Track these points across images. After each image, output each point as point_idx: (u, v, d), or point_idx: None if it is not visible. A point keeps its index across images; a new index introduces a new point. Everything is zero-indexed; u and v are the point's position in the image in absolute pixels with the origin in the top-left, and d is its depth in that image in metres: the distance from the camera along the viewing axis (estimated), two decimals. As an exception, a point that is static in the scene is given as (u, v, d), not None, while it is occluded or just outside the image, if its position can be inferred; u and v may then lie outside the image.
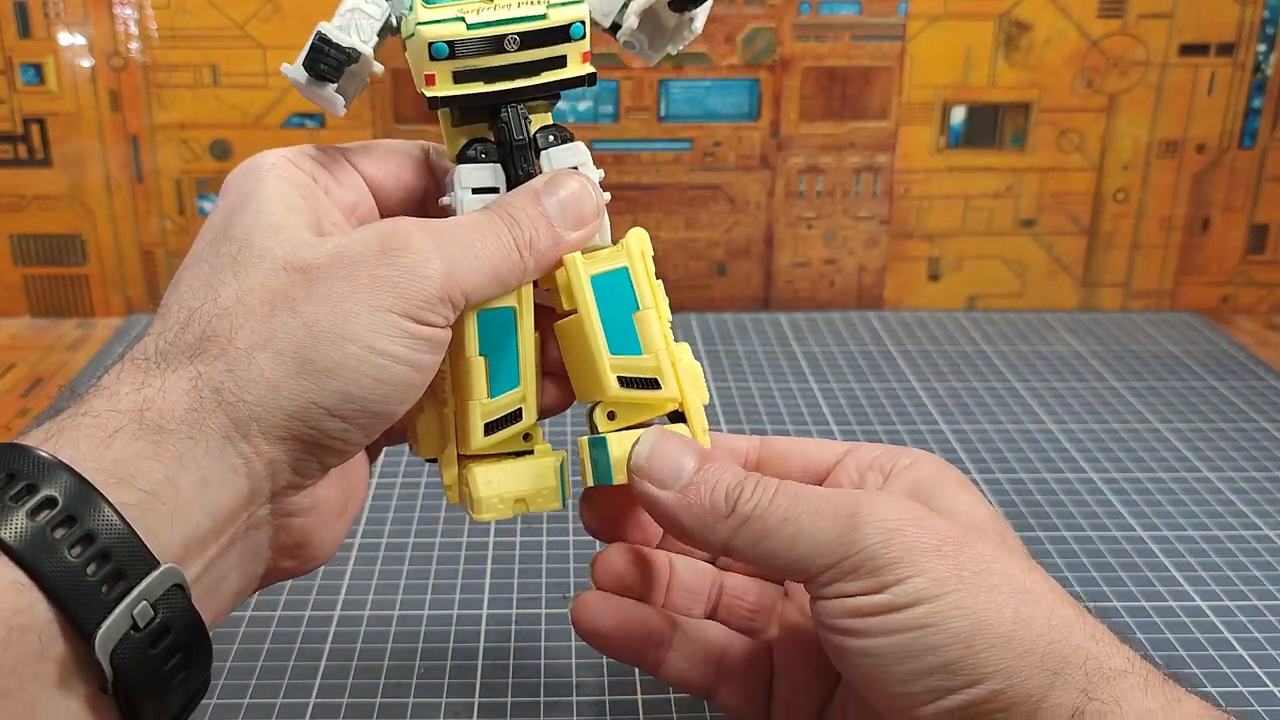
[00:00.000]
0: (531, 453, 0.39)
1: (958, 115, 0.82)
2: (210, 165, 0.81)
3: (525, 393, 0.37)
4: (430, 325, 0.32)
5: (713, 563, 0.42)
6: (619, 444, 0.37)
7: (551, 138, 0.38)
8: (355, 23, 0.36)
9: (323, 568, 0.52)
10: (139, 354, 0.31)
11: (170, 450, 0.29)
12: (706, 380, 0.41)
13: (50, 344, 0.80)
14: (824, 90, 0.81)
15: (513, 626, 0.48)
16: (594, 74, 0.37)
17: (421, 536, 0.55)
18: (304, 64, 0.35)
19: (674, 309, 0.39)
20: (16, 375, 0.75)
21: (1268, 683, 0.46)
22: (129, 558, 0.27)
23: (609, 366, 0.37)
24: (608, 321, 0.37)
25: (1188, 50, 0.81)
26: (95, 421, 0.29)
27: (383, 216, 0.38)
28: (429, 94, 0.35)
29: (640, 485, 0.36)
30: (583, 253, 0.37)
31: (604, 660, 0.47)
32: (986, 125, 0.83)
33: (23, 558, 0.26)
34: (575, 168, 0.37)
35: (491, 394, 0.37)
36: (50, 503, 0.27)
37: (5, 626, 0.25)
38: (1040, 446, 0.65)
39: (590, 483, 0.38)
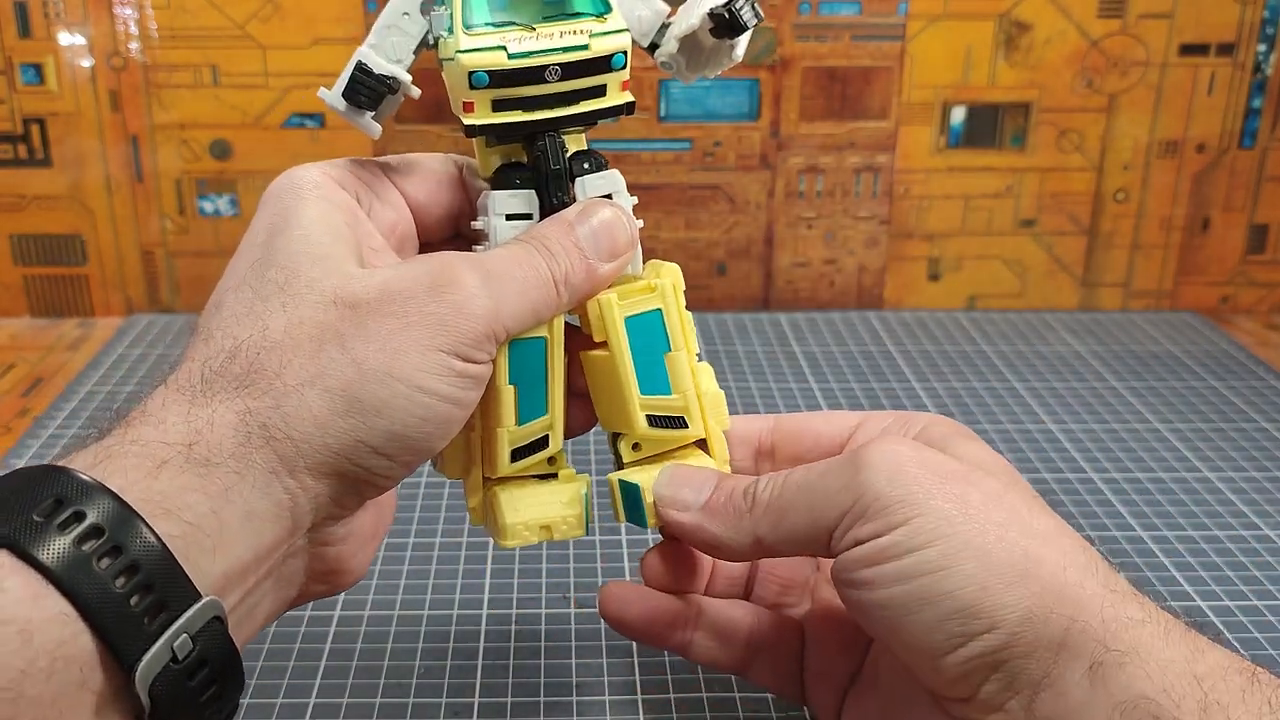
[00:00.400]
0: (556, 476, 0.39)
1: (958, 115, 0.82)
2: (210, 165, 0.81)
3: (553, 420, 0.37)
4: (476, 363, 0.33)
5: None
6: (651, 490, 0.38)
7: (586, 165, 0.37)
8: (391, 41, 0.36)
9: (323, 568, 0.52)
10: (184, 380, 0.31)
11: (217, 484, 0.29)
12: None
13: (50, 344, 0.80)
14: (824, 90, 0.81)
15: (513, 626, 0.48)
16: (633, 103, 0.37)
17: (421, 536, 0.55)
18: (344, 94, 0.35)
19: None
20: (16, 375, 0.75)
21: (1268, 683, 0.46)
22: (171, 590, 0.27)
23: (639, 407, 0.37)
24: (639, 362, 0.37)
25: (1188, 50, 0.81)
26: (143, 450, 0.29)
27: (420, 234, 0.38)
28: (467, 121, 0.35)
29: (666, 514, 0.37)
30: (615, 282, 0.37)
31: (604, 660, 0.47)
32: (986, 125, 0.83)
33: (68, 587, 0.26)
34: (609, 195, 0.37)
35: (519, 421, 0.37)
36: (96, 532, 0.27)
37: (49, 658, 0.25)
38: (1040, 446, 0.65)
39: (622, 520, 0.39)
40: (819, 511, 0.33)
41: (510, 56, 0.34)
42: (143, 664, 0.27)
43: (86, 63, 0.78)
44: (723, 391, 0.39)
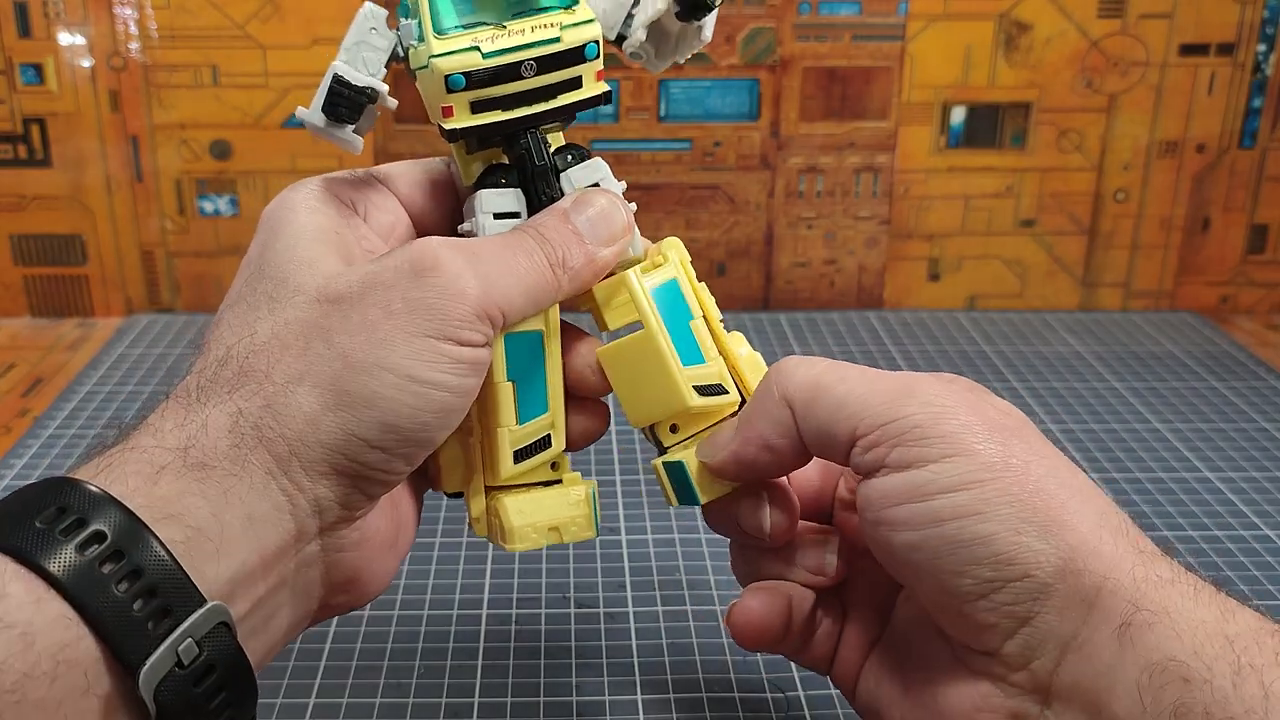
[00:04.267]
0: (560, 482, 0.38)
1: (958, 115, 0.82)
2: (210, 165, 0.81)
3: (554, 418, 0.37)
4: (470, 345, 0.32)
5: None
6: (695, 463, 0.37)
7: (570, 157, 0.37)
8: (362, 56, 0.35)
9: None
10: (181, 392, 0.31)
11: (215, 487, 0.29)
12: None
13: (50, 344, 0.80)
14: (824, 90, 0.81)
15: (513, 626, 0.48)
16: (609, 92, 0.37)
17: (422, 536, 0.55)
18: (323, 109, 0.35)
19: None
20: (16, 375, 0.75)
21: (1268, 683, 0.46)
22: (175, 594, 0.27)
23: (684, 378, 0.36)
24: (673, 330, 0.37)
25: (1188, 50, 0.81)
26: (142, 457, 0.29)
27: (421, 235, 0.38)
28: (447, 126, 0.35)
29: (713, 462, 0.36)
30: (618, 267, 0.37)
31: (604, 660, 0.47)
32: (986, 125, 0.83)
33: (71, 592, 0.26)
34: (597, 184, 0.37)
35: (520, 420, 0.36)
36: (99, 537, 0.27)
37: (53, 661, 0.25)
38: (1040, 446, 0.65)
39: (675, 504, 0.38)
40: (851, 411, 0.33)
41: (485, 56, 0.34)
42: (146, 668, 0.26)
43: (86, 63, 0.78)
44: (759, 355, 0.39)
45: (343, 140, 0.35)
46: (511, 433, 0.36)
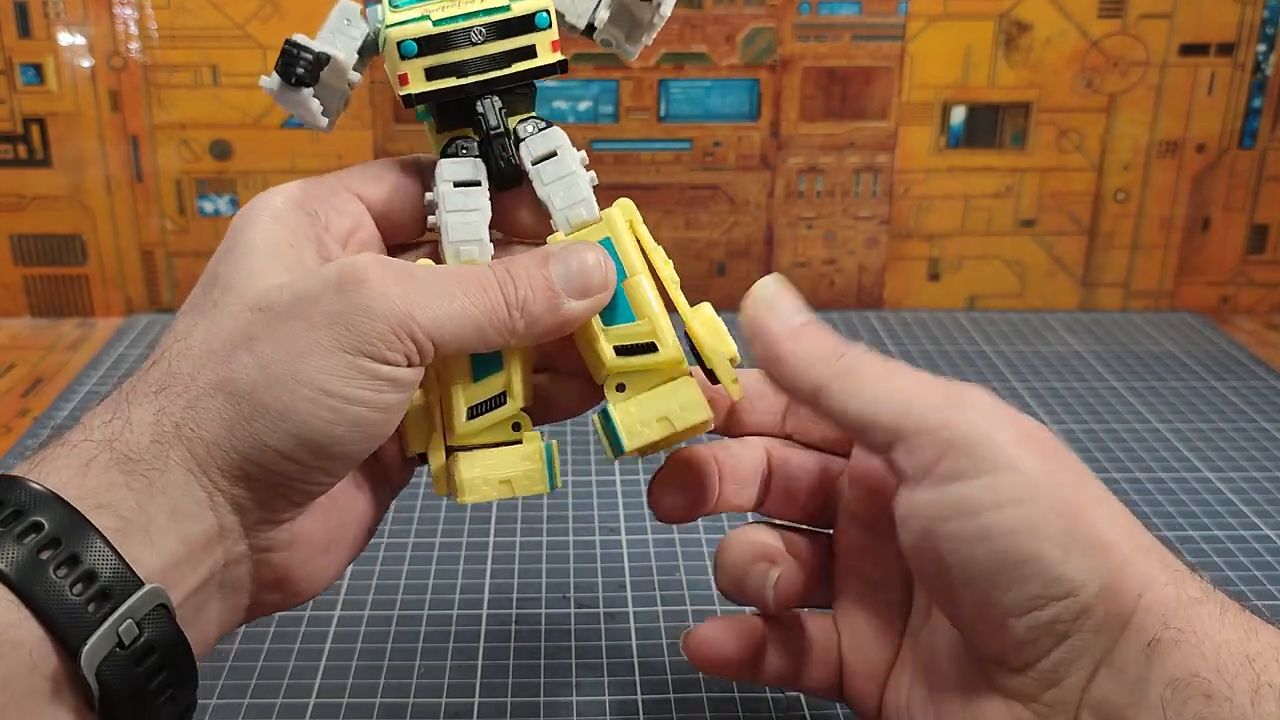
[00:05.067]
0: (521, 443, 0.38)
1: (958, 115, 0.82)
2: (210, 165, 0.81)
3: (510, 378, 0.37)
4: (389, 364, 0.31)
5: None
6: (625, 412, 0.37)
7: (530, 128, 0.38)
8: (335, 43, 0.37)
9: (323, 568, 0.52)
10: (116, 392, 0.32)
11: (141, 480, 0.30)
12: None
13: (50, 344, 0.80)
14: (824, 90, 0.81)
15: (513, 626, 0.48)
16: (564, 61, 0.37)
17: (421, 536, 0.55)
18: (277, 69, 0.35)
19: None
20: (16, 375, 0.75)
21: (1268, 683, 0.46)
22: (114, 579, 0.28)
23: (605, 339, 0.37)
24: None
25: (1188, 50, 0.81)
26: (72, 451, 0.30)
27: (390, 237, 0.38)
28: (403, 93, 0.36)
29: (758, 313, 0.36)
30: (570, 230, 0.37)
31: (604, 660, 0.47)
32: (986, 125, 0.83)
33: (11, 578, 0.27)
34: (554, 152, 0.37)
35: (475, 378, 0.37)
36: (37, 527, 0.28)
37: None
38: (1040, 446, 0.65)
39: (611, 456, 0.38)
40: (899, 412, 0.32)
41: (435, 24, 0.35)
42: (87, 648, 0.27)
43: (86, 63, 0.78)
44: (721, 320, 0.38)
45: (304, 107, 0.36)
46: (466, 390, 0.37)
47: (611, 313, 0.37)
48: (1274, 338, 0.84)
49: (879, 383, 0.33)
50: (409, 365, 0.32)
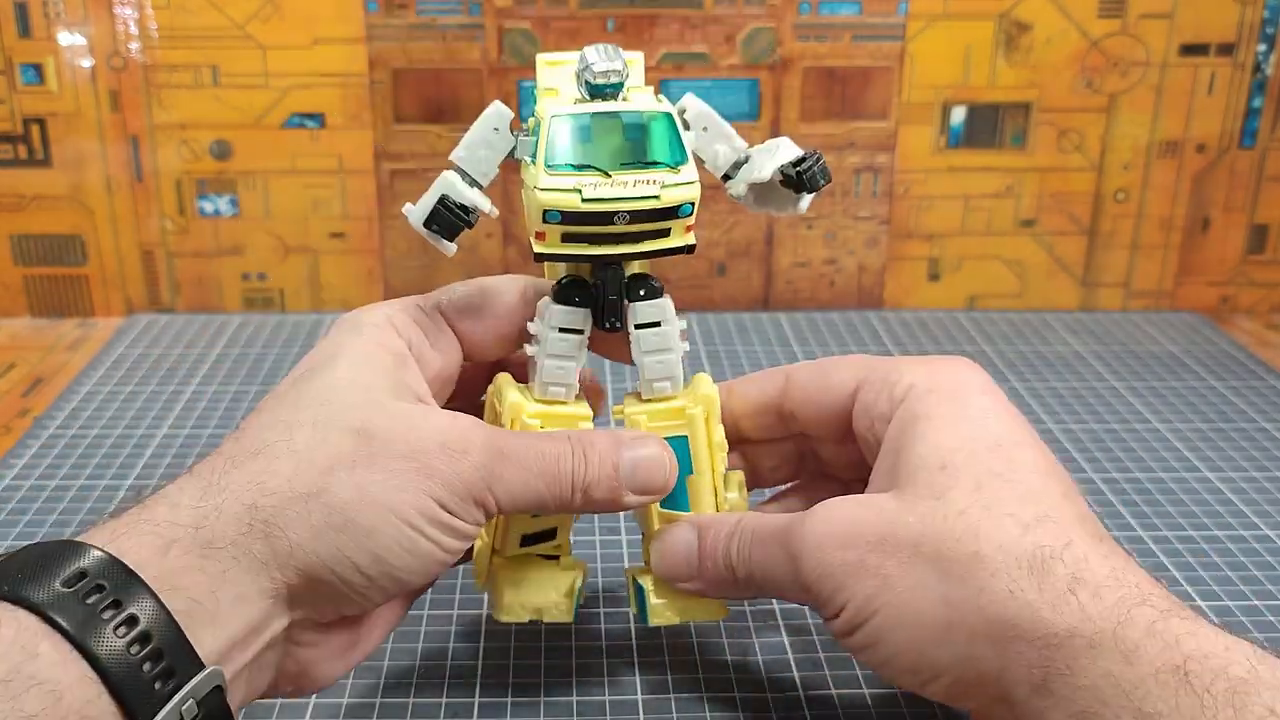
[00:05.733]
0: (557, 559, 0.43)
1: (958, 115, 0.82)
2: (210, 165, 0.81)
3: (563, 517, 0.42)
4: (461, 519, 0.36)
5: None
6: (658, 597, 0.43)
7: (642, 291, 0.40)
8: (479, 155, 0.38)
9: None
10: (205, 469, 0.34)
11: (216, 566, 0.32)
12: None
13: (50, 344, 0.80)
14: (824, 90, 0.81)
15: (513, 626, 0.48)
16: (694, 245, 0.39)
17: (421, 536, 0.55)
18: (424, 221, 0.38)
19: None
20: (16, 375, 0.75)
21: (1268, 683, 0.46)
22: (178, 658, 0.30)
23: (658, 519, 0.42)
24: None
25: (1188, 50, 0.81)
26: (155, 530, 0.32)
27: (472, 358, 0.42)
28: (537, 249, 0.38)
29: (672, 583, 0.42)
30: (651, 400, 0.41)
31: (604, 660, 0.47)
32: (986, 125, 0.83)
33: (91, 652, 0.29)
34: (659, 323, 0.40)
35: (533, 514, 0.41)
36: (116, 604, 0.30)
37: (78, 717, 0.28)
38: (1040, 446, 0.65)
39: (634, 611, 0.44)
40: (790, 594, 0.39)
41: (584, 200, 0.36)
42: None
43: (86, 63, 0.78)
44: (747, 502, 0.43)
45: (438, 244, 0.38)
46: (523, 522, 0.42)
47: (671, 500, 0.41)
48: (1274, 338, 0.84)
49: (765, 579, 0.39)
50: (475, 525, 0.36)
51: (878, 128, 0.83)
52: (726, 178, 0.40)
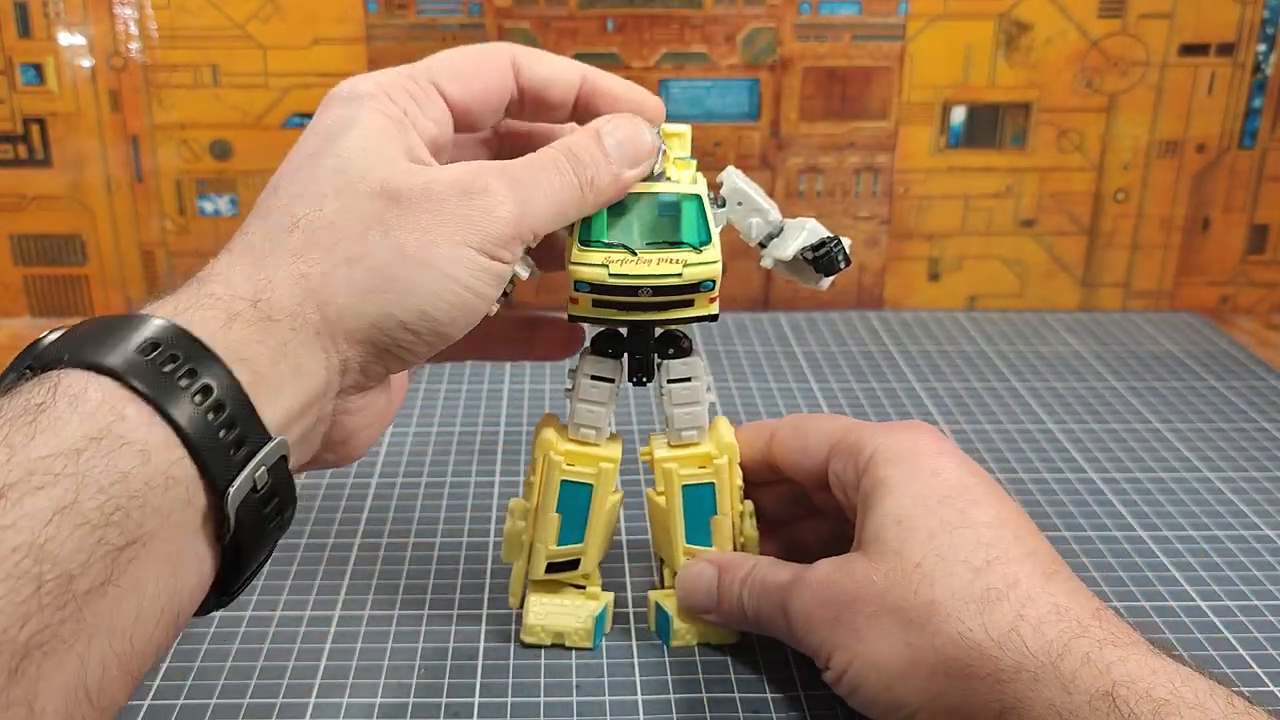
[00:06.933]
0: (584, 588, 0.47)
1: (958, 115, 0.82)
2: (210, 165, 0.81)
3: (587, 548, 0.46)
4: (500, 261, 0.37)
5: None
6: (678, 620, 0.47)
7: (671, 350, 0.44)
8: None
9: (323, 567, 0.52)
10: (246, 246, 0.35)
11: (276, 338, 0.33)
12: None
13: (50, 344, 0.80)
14: (824, 90, 0.81)
15: (512, 626, 0.48)
16: (717, 315, 0.43)
17: (422, 536, 0.55)
18: None
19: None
20: (16, 375, 0.75)
21: (1268, 683, 0.46)
22: (249, 428, 0.32)
23: (683, 553, 0.47)
24: (689, 518, 0.46)
25: (1188, 50, 0.81)
26: (216, 304, 0.33)
27: (463, 128, 0.42)
28: (571, 311, 0.42)
29: (691, 613, 0.47)
30: (680, 444, 0.45)
31: (604, 661, 0.47)
32: (986, 125, 0.83)
33: (173, 417, 0.30)
34: (689, 378, 0.44)
35: (559, 543, 0.46)
36: (191, 373, 0.31)
37: (164, 476, 0.30)
38: (1040, 446, 0.65)
39: (653, 630, 0.48)
40: (786, 639, 0.43)
41: (610, 275, 0.40)
42: (233, 490, 0.31)
43: (86, 63, 0.78)
44: (757, 534, 0.48)
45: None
46: (548, 550, 0.46)
47: (697, 535, 0.46)
48: (1274, 338, 0.84)
49: (768, 625, 0.44)
50: (511, 262, 0.38)
51: (878, 128, 0.83)
52: (761, 245, 0.44)
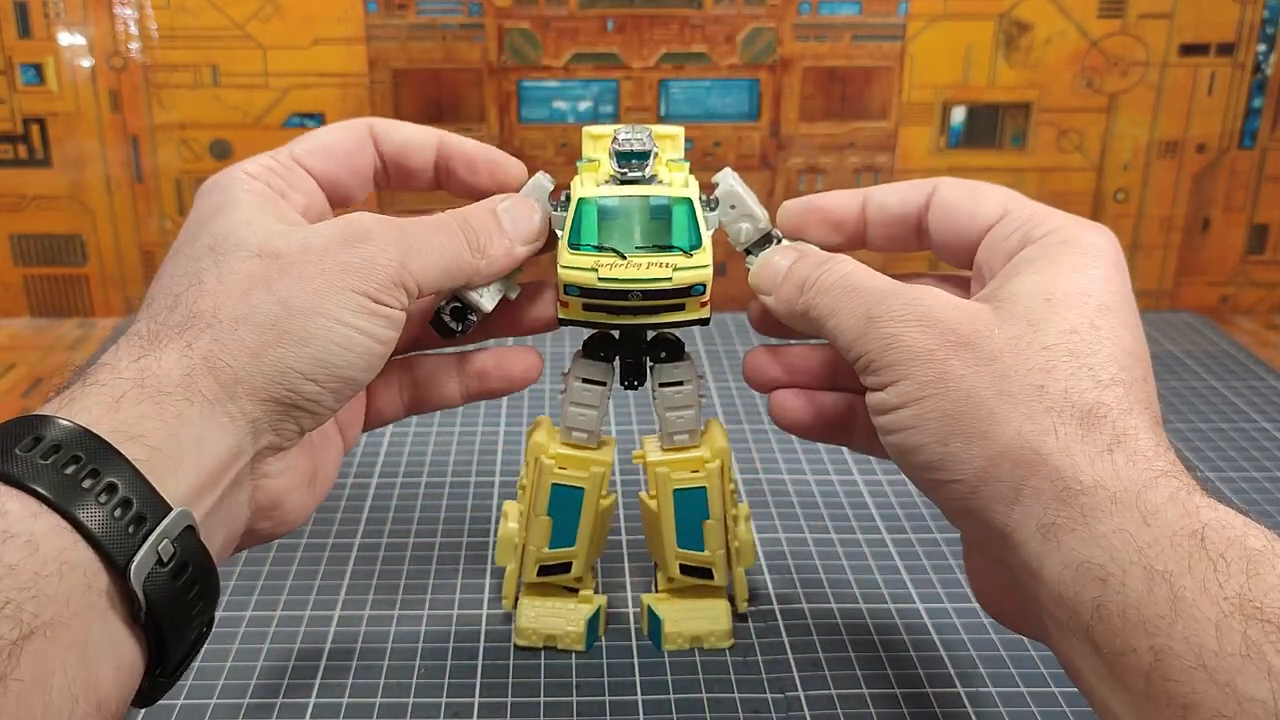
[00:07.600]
0: (578, 591, 0.47)
1: (958, 115, 0.82)
2: (210, 165, 0.81)
3: (579, 552, 0.46)
4: (387, 305, 0.37)
5: None
6: (673, 622, 0.47)
7: (663, 354, 0.44)
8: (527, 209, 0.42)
9: (323, 567, 0.52)
10: (133, 335, 0.35)
11: (170, 410, 0.33)
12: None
13: (50, 344, 0.80)
14: (824, 90, 0.81)
15: (512, 626, 0.48)
16: (708, 318, 0.42)
17: (421, 536, 0.55)
18: (440, 323, 0.42)
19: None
20: (16, 375, 0.75)
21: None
22: (147, 504, 0.31)
23: (674, 556, 0.46)
24: (681, 522, 0.46)
25: (1188, 50, 0.81)
26: (102, 390, 0.33)
27: (337, 202, 0.43)
28: (560, 315, 0.42)
29: (759, 295, 0.43)
30: (672, 448, 0.45)
31: (604, 661, 0.47)
32: (986, 125, 0.83)
33: (61, 505, 0.30)
34: (681, 382, 0.44)
35: (550, 546, 0.46)
36: (75, 459, 0.30)
37: (57, 563, 0.29)
38: (1040, 446, 0.65)
39: (645, 633, 0.48)
40: (843, 343, 0.39)
41: (599, 279, 0.39)
42: (134, 564, 0.30)
43: (86, 63, 0.78)
44: (753, 537, 0.48)
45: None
46: (540, 553, 0.46)
47: (689, 539, 0.46)
48: (1274, 338, 0.84)
49: (827, 319, 0.40)
50: (400, 308, 0.37)
51: (878, 128, 0.83)
52: (748, 252, 0.44)
